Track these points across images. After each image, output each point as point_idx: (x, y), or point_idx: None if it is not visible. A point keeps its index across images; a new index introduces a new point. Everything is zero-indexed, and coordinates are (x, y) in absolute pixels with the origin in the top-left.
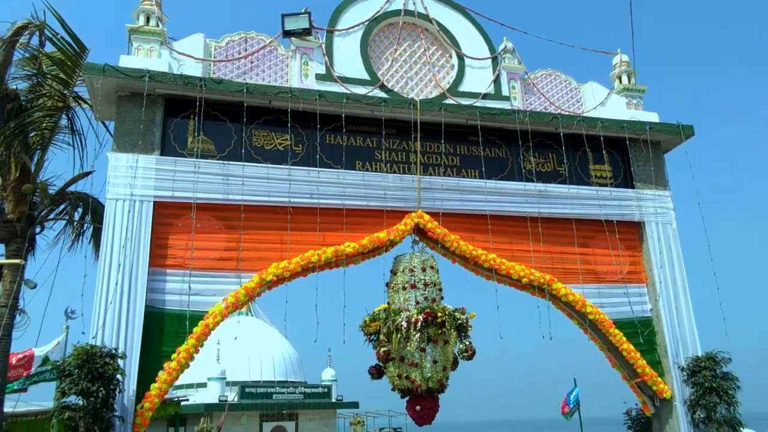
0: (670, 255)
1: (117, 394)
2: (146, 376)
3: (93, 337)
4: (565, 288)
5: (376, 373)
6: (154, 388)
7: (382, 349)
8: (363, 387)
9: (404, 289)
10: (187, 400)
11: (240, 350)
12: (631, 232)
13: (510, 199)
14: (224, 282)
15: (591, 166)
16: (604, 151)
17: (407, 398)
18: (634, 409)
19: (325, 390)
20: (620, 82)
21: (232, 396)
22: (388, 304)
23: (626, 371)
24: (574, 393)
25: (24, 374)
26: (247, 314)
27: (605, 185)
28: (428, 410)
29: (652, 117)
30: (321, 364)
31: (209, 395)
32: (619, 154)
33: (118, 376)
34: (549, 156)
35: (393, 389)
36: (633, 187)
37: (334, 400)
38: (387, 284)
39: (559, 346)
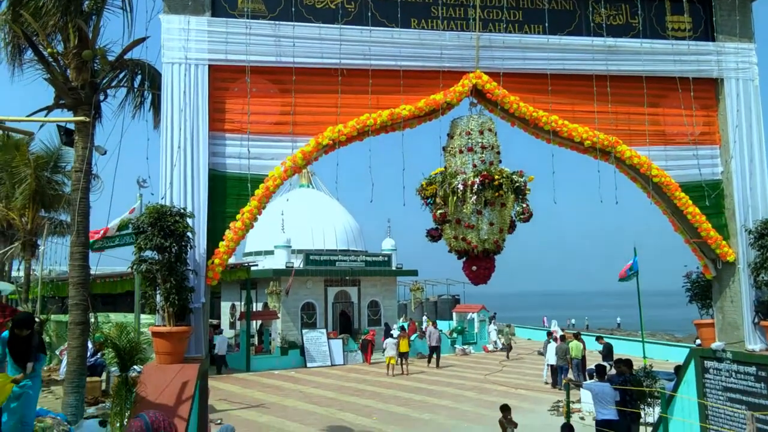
0: (748, 114)
1: (189, 250)
2: (214, 235)
3: (162, 198)
4: (630, 150)
5: (436, 235)
6: (222, 245)
7: (439, 212)
8: (422, 258)
9: (461, 152)
10: (257, 265)
11: (303, 221)
12: (708, 89)
13: (575, 56)
14: (281, 146)
15: (668, 18)
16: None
17: (464, 259)
18: (695, 272)
19: (386, 259)
20: None
21: (297, 263)
22: (445, 167)
23: (690, 235)
24: (633, 262)
25: (100, 236)
26: (308, 186)
27: (683, 38)
28: (485, 270)
29: None
30: (381, 235)
31: (276, 262)
32: (701, 2)
33: (189, 234)
34: (621, 7)
35: (450, 251)
36: (714, 39)
37: (394, 268)
38: (443, 148)
39: (618, 215)
